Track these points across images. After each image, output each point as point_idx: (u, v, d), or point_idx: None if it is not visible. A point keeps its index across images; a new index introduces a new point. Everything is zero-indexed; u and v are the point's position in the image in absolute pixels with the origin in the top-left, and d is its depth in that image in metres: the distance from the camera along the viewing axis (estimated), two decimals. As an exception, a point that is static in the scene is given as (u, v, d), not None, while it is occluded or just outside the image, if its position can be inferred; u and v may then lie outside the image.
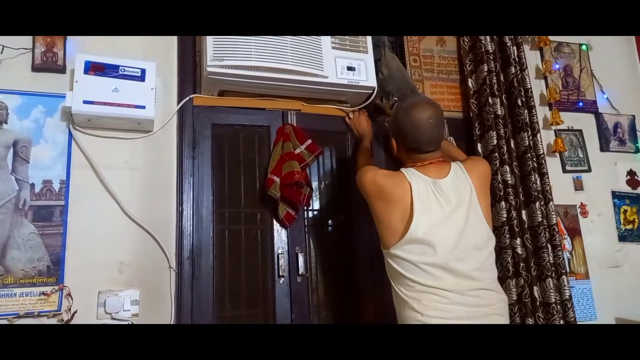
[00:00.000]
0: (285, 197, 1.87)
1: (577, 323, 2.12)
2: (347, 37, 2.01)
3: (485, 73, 2.27)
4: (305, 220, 2.02)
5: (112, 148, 1.80)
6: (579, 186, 2.57)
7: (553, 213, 2.20)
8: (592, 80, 2.79)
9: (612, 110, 2.78)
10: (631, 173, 2.72)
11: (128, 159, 1.82)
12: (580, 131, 2.66)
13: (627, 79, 2.90)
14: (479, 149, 2.22)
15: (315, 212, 2.10)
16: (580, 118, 2.70)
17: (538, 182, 2.20)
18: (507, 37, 2.36)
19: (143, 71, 1.76)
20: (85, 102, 1.66)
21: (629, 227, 2.63)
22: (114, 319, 1.66)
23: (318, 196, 2.11)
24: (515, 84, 2.30)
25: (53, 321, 1.61)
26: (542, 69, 2.63)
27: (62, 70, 1.79)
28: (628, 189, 2.69)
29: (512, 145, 2.24)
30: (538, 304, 2.03)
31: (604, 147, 2.70)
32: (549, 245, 2.13)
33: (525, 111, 2.30)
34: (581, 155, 2.63)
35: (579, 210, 2.53)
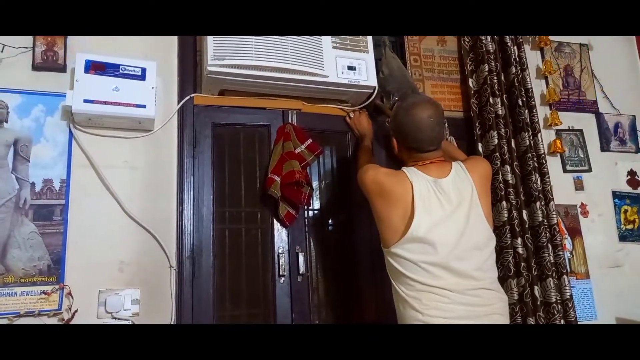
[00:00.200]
0: (285, 197, 1.87)
1: (578, 323, 2.11)
2: (347, 36, 2.00)
3: (486, 73, 2.27)
4: (306, 220, 2.02)
5: (112, 147, 1.79)
6: (579, 186, 2.57)
7: (554, 213, 2.20)
8: (592, 80, 2.79)
9: (612, 110, 2.78)
10: (632, 173, 2.72)
11: (128, 158, 1.81)
12: (581, 131, 2.66)
13: (627, 78, 2.90)
14: (480, 149, 2.22)
15: (316, 212, 2.09)
16: (581, 118, 2.69)
17: (539, 182, 2.20)
18: (507, 37, 2.36)
19: (144, 70, 1.76)
20: (85, 101, 1.66)
21: (630, 227, 2.63)
22: (115, 318, 1.66)
23: (318, 196, 2.11)
24: (516, 84, 2.30)
25: (54, 320, 1.60)
26: (542, 69, 2.63)
27: (62, 69, 1.79)
28: (628, 189, 2.69)
29: (513, 145, 2.24)
30: (539, 303, 2.03)
31: (605, 147, 2.70)
32: (550, 245, 2.13)
33: (526, 111, 2.30)
34: (582, 155, 2.63)
35: (579, 210, 2.53)
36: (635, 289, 2.52)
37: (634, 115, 2.81)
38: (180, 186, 1.85)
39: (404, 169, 1.55)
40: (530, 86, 2.36)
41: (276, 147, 1.94)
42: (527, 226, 2.13)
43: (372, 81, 2.01)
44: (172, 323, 1.73)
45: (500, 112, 2.23)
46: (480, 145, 2.23)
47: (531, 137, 2.27)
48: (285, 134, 1.96)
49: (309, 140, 1.99)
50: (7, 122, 1.70)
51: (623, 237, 2.60)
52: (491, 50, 2.31)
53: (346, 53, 1.99)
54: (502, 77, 2.32)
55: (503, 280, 2.00)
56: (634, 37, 2.95)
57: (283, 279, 1.89)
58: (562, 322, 2.05)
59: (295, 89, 1.98)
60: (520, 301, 2.03)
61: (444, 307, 1.37)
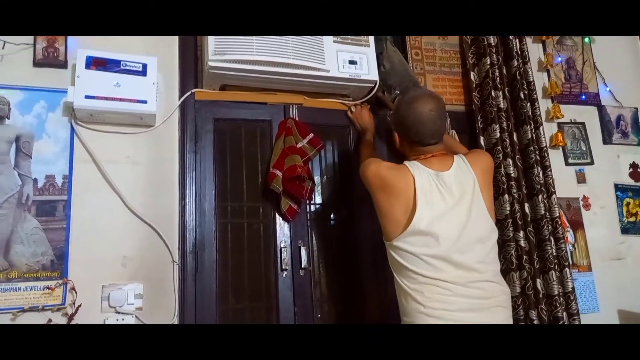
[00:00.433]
0: (287, 191, 1.87)
1: (580, 315, 2.11)
2: (348, 31, 2.00)
3: (488, 66, 2.26)
4: (308, 214, 2.02)
5: (114, 143, 1.80)
6: (581, 179, 2.56)
7: (556, 206, 2.20)
8: (594, 73, 2.77)
9: (614, 102, 2.77)
10: (634, 165, 2.71)
11: (130, 153, 1.82)
12: (583, 124, 2.65)
13: (629, 71, 2.89)
14: (482, 142, 2.21)
15: (318, 206, 2.10)
16: (583, 111, 2.69)
17: (541, 175, 2.20)
18: (509, 29, 2.35)
19: (144, 66, 1.76)
20: (87, 97, 1.66)
21: (632, 219, 2.63)
22: (118, 312, 1.67)
23: (320, 190, 2.11)
24: (518, 77, 2.30)
25: (57, 315, 1.61)
26: (544, 62, 2.62)
27: (63, 65, 1.79)
28: (631, 182, 2.68)
29: (515, 138, 2.23)
30: (541, 296, 2.03)
31: (607, 139, 2.70)
32: (552, 238, 2.13)
33: (528, 104, 2.29)
34: (584, 148, 2.62)
35: (581, 203, 2.53)
36: (638, 281, 2.52)
37: (637, 108, 2.81)
38: (182, 181, 1.85)
39: (406, 162, 1.55)
40: (532, 79, 2.36)
41: (278, 142, 1.94)
42: (529, 219, 2.13)
43: (374, 75, 2.01)
44: (175, 317, 1.73)
45: (502, 105, 2.22)
46: (482, 138, 2.23)
47: (533, 131, 2.26)
48: (286, 129, 1.96)
49: (311, 135, 1.99)
50: (8, 118, 1.70)
51: (625, 230, 2.60)
52: (493, 44, 2.31)
53: (347, 47, 1.99)
54: (504, 70, 2.32)
55: (505, 273, 2.00)
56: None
57: (285, 273, 1.89)
58: (564, 314, 2.06)
59: (296, 84, 1.97)
60: (522, 294, 2.04)
61: (446, 299, 1.37)
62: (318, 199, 2.10)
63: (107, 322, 1.65)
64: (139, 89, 1.73)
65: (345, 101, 2.13)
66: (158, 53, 1.85)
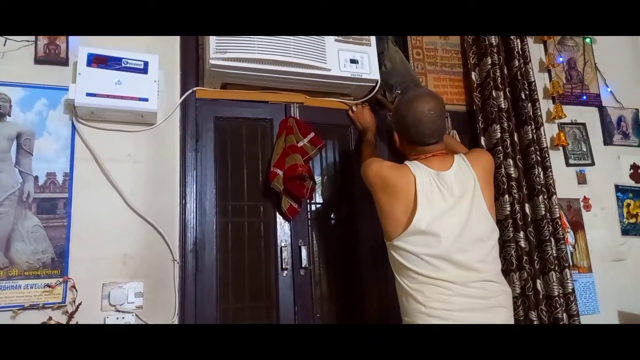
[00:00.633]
0: (288, 190, 1.87)
1: (580, 316, 2.12)
2: (350, 30, 2.00)
3: (489, 66, 2.26)
4: (308, 214, 2.02)
5: (115, 141, 1.79)
6: (582, 180, 2.56)
7: (556, 206, 2.20)
8: (595, 74, 2.77)
9: (615, 103, 2.77)
10: (634, 167, 2.72)
11: (131, 151, 1.81)
12: (584, 124, 2.65)
13: (631, 72, 2.89)
14: (483, 142, 2.21)
15: (318, 205, 2.10)
16: (584, 111, 2.68)
17: (541, 175, 2.20)
18: (510, 30, 2.35)
19: (146, 64, 1.76)
20: (88, 94, 1.66)
21: (632, 220, 2.63)
22: (118, 311, 1.67)
23: (321, 189, 2.11)
24: (519, 77, 2.30)
25: (58, 313, 1.61)
26: (545, 62, 2.62)
27: (64, 62, 1.79)
28: (631, 183, 2.68)
29: (516, 138, 2.23)
30: (541, 297, 2.03)
31: (608, 140, 2.70)
32: (552, 239, 2.13)
33: (529, 104, 2.29)
34: (584, 149, 2.62)
35: (582, 203, 2.53)
36: (638, 282, 2.52)
37: (637, 109, 2.81)
38: (183, 180, 1.85)
39: (407, 162, 1.55)
40: (533, 79, 2.35)
41: (279, 141, 1.94)
42: (529, 220, 2.13)
43: (375, 74, 2.01)
44: (175, 316, 1.73)
45: (503, 105, 2.22)
46: (482, 138, 2.22)
47: (534, 131, 2.26)
48: (287, 128, 1.96)
49: (312, 134, 1.99)
50: (10, 115, 1.70)
51: (625, 231, 2.60)
52: (494, 44, 2.30)
53: (349, 46, 1.99)
54: (505, 71, 2.32)
55: (505, 273, 1.99)
56: (637, 30, 2.94)
57: (286, 272, 1.89)
58: (564, 315, 2.06)
59: (297, 83, 1.97)
60: (522, 295, 2.04)
61: (446, 299, 1.37)
62: (319, 198, 2.10)
63: (107, 321, 1.65)
64: (140, 86, 1.73)
65: (346, 100, 2.13)
66: (159, 51, 1.85)
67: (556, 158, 2.48)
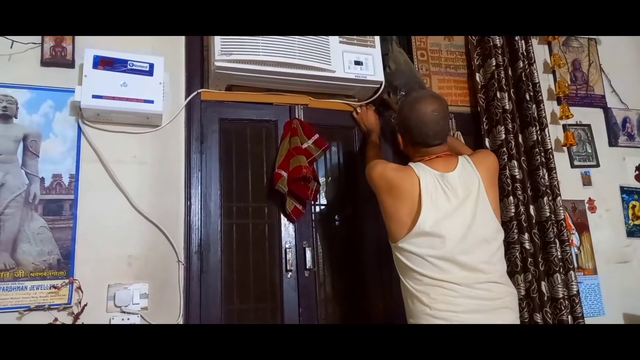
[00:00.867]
0: (292, 192, 1.87)
1: (585, 318, 2.11)
2: (354, 32, 2.00)
3: (494, 67, 2.26)
4: (313, 215, 2.02)
5: (120, 142, 1.80)
6: (587, 181, 2.55)
7: (561, 208, 2.19)
8: (600, 75, 2.77)
9: (620, 105, 2.76)
10: (640, 168, 2.71)
11: (136, 153, 1.82)
12: (589, 126, 2.64)
13: (636, 73, 2.87)
14: (487, 144, 2.21)
15: (323, 207, 2.10)
16: (589, 113, 2.68)
17: (546, 177, 2.19)
18: (515, 31, 2.35)
19: (151, 66, 1.77)
20: (94, 96, 1.67)
21: (638, 222, 2.62)
22: (124, 312, 1.67)
23: (325, 191, 2.12)
24: (524, 78, 2.29)
25: (63, 314, 1.62)
26: (550, 63, 2.61)
27: (71, 65, 1.80)
28: (637, 184, 2.67)
29: (520, 140, 2.22)
30: (546, 299, 2.03)
31: (613, 142, 2.69)
32: (557, 241, 2.12)
33: (534, 106, 2.28)
34: (589, 150, 2.61)
35: (587, 205, 2.52)
36: (643, 284, 2.51)
37: (643, 110, 2.80)
38: (188, 181, 1.85)
39: (411, 164, 1.55)
40: (537, 81, 2.35)
41: (283, 143, 1.95)
42: (534, 221, 2.12)
43: (379, 76, 2.01)
44: (180, 317, 1.74)
45: (507, 107, 2.22)
46: (487, 140, 2.22)
47: (538, 132, 2.25)
48: (292, 129, 1.96)
49: (316, 136, 1.99)
50: (16, 117, 1.71)
51: (631, 233, 2.59)
52: (498, 45, 2.30)
53: (353, 48, 1.99)
54: (510, 72, 2.31)
55: (510, 275, 1.97)
56: (642, 31, 2.92)
57: (290, 273, 1.90)
58: (569, 317, 2.05)
59: (302, 84, 1.98)
60: (527, 297, 2.03)
61: (452, 300, 1.37)
62: (323, 199, 2.10)
63: (112, 322, 1.65)
64: (145, 88, 1.74)
65: (351, 102, 2.13)
66: (165, 53, 1.86)
67: (561, 159, 2.47)
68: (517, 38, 2.34)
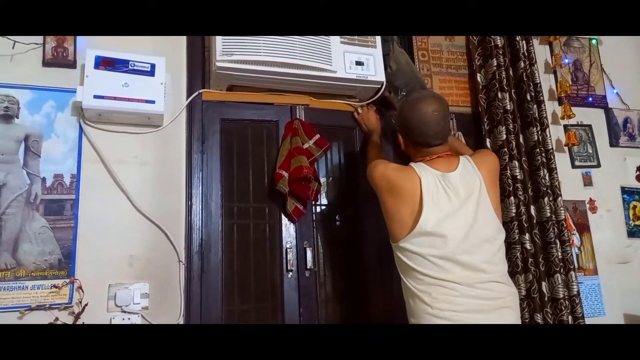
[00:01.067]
0: (293, 192, 1.87)
1: (585, 319, 2.11)
2: (355, 32, 2.00)
3: (495, 68, 2.26)
4: (314, 215, 2.02)
5: (122, 143, 1.80)
6: (588, 182, 2.55)
7: (562, 208, 2.19)
8: (601, 75, 2.77)
9: (621, 105, 2.76)
10: (641, 169, 2.71)
11: (138, 153, 1.82)
12: (590, 126, 2.64)
13: (637, 73, 2.87)
14: (488, 144, 2.21)
15: (324, 207, 2.10)
16: (590, 113, 2.68)
17: (547, 177, 2.19)
18: (516, 31, 2.35)
19: (153, 66, 1.77)
20: (95, 96, 1.67)
21: (638, 223, 2.62)
22: (124, 312, 1.67)
23: (326, 191, 2.12)
24: (525, 79, 2.29)
25: (64, 314, 1.62)
26: (551, 64, 2.61)
27: (72, 65, 1.80)
28: (637, 185, 2.67)
29: (521, 140, 2.23)
30: (546, 299, 2.03)
31: (614, 142, 2.69)
32: (558, 241, 2.12)
33: (535, 106, 2.29)
34: (590, 151, 2.61)
35: (587, 205, 2.52)
36: (644, 285, 2.51)
37: (644, 111, 2.80)
38: (189, 181, 1.86)
39: (412, 164, 1.55)
40: (538, 81, 2.35)
41: (284, 143, 1.95)
42: (535, 222, 2.12)
43: (380, 76, 2.01)
44: (181, 317, 1.74)
45: (508, 107, 2.22)
46: (488, 140, 2.22)
47: (539, 133, 2.26)
48: (293, 130, 1.96)
49: (317, 136, 1.99)
50: (18, 117, 1.71)
51: (632, 233, 2.59)
52: (499, 45, 2.30)
53: (354, 48, 1.99)
54: (511, 72, 2.31)
55: (511, 275, 1.96)
56: (643, 31, 2.92)
57: (291, 274, 1.90)
58: (570, 318, 2.05)
59: (303, 85, 1.98)
60: (527, 297, 2.03)
61: (453, 300, 1.37)
62: (324, 199, 2.10)
63: (113, 322, 1.65)
64: (147, 89, 1.74)
65: (352, 102, 2.13)
66: (166, 53, 1.86)
67: (562, 160, 2.47)
68: (518, 38, 2.34)
